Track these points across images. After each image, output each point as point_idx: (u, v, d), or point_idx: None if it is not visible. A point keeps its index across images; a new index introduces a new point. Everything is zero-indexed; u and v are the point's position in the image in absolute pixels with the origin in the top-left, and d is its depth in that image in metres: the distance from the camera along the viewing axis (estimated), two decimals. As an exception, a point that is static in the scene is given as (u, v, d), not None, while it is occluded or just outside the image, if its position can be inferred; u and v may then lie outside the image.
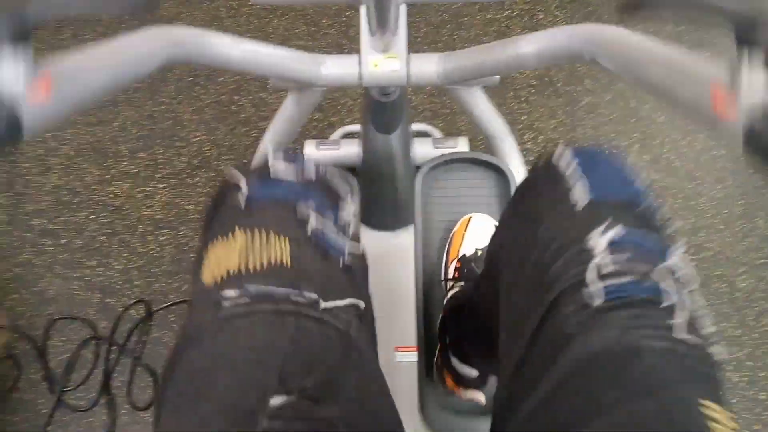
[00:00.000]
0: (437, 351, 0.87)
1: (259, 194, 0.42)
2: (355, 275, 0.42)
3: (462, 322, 0.75)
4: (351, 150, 1.10)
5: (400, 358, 0.93)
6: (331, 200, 0.45)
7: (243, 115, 1.39)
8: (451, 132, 1.36)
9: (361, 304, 0.40)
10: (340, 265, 0.41)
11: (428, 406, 0.87)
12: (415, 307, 0.93)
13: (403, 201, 1.01)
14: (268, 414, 0.31)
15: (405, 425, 0.41)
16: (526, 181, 0.47)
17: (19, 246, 1.25)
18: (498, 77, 0.75)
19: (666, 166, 1.32)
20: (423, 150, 1.12)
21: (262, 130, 1.05)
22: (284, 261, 0.37)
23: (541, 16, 1.52)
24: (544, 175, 0.43)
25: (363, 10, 0.64)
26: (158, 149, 1.36)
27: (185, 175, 1.32)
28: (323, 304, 0.36)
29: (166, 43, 0.49)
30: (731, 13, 0.25)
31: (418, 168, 1.03)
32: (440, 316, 0.86)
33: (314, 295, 0.36)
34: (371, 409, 0.38)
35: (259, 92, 1.41)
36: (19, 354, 1.15)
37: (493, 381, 0.83)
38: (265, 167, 0.44)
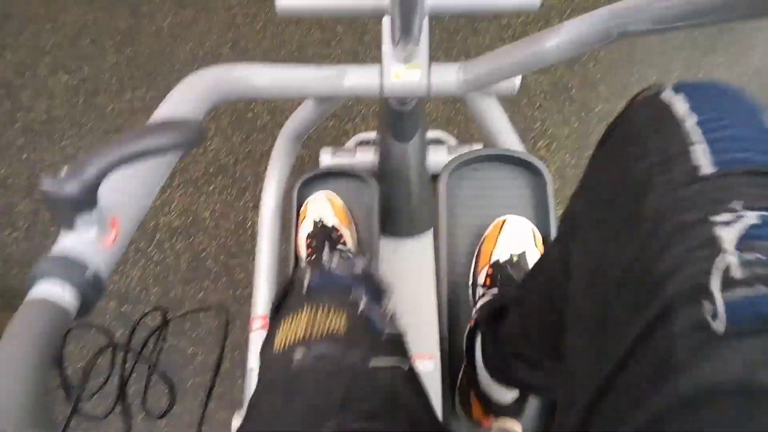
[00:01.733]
0: (461, 370, 0.75)
1: (320, 282, 0.53)
2: (396, 348, 0.52)
3: (505, 327, 0.62)
4: (366, 158, 1.10)
5: (417, 368, 0.92)
6: (374, 293, 0.54)
7: (259, 122, 1.39)
8: (465, 139, 1.36)
9: (405, 365, 0.49)
10: (383, 339, 0.50)
11: (451, 423, 0.79)
12: (437, 314, 0.89)
13: (419, 208, 1.01)
14: (333, 426, 0.39)
15: None
16: (622, 125, 0.34)
17: (37, 253, 1.26)
18: (516, 86, 0.74)
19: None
20: (438, 158, 1.12)
21: (279, 138, 1.04)
22: (341, 330, 0.47)
23: (556, 20, 1.51)
24: (652, 118, 0.31)
25: (386, 20, 0.64)
26: (174, 157, 1.36)
27: (202, 182, 1.33)
28: (372, 362, 0.45)
29: (203, 95, 0.54)
30: None
31: (433, 177, 1.03)
32: (468, 328, 0.75)
33: (364, 354, 0.45)
34: None
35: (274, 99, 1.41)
36: (37, 361, 1.15)
37: (532, 407, 0.72)
38: (321, 264, 0.56)
